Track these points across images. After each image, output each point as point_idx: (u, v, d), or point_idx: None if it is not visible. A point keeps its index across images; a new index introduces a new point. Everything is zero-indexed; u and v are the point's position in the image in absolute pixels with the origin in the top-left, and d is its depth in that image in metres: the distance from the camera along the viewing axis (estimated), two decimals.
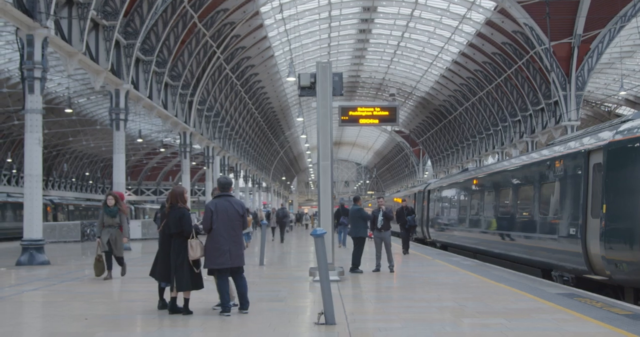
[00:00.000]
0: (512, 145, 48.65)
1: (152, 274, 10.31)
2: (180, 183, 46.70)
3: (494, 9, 39.72)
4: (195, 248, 9.58)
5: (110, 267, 15.14)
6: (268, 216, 35.74)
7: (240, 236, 9.96)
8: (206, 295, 10.68)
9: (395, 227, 27.40)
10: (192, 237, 9.66)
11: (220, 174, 49.32)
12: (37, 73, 19.28)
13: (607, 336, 8.08)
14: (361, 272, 16.15)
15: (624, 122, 12.86)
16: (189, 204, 10.37)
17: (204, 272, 9.94)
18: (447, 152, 70.77)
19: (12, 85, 43.04)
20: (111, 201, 15.21)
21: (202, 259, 9.76)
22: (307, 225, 61.87)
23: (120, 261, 15.35)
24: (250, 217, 33.43)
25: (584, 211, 13.25)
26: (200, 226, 9.98)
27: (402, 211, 24.30)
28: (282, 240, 33.13)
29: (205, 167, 47.43)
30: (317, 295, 11.15)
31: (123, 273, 15.34)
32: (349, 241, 19.61)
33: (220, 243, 9.61)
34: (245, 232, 33.40)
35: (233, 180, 60.38)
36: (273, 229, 34.63)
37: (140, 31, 28.08)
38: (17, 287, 14.07)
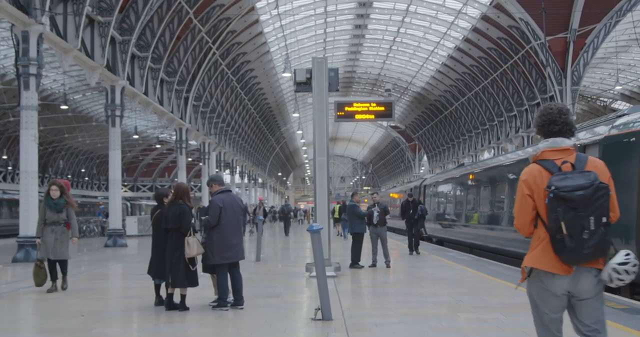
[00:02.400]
0: (508, 140, 48.70)
1: (150, 272, 10.28)
2: (176, 180, 46.67)
3: (490, 4, 39.72)
4: (192, 246, 9.56)
5: (55, 277, 12.13)
6: (254, 211, 34.95)
7: (242, 230, 10.22)
8: (202, 291, 10.69)
9: (394, 223, 27.40)
10: (190, 235, 9.64)
11: (216, 170, 49.29)
12: (33, 69, 19.24)
13: None
14: (362, 267, 16.18)
15: (620, 116, 12.87)
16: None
17: (199, 269, 9.95)
18: (443, 147, 70.80)
19: (7, 82, 42.98)
20: (55, 192, 12.14)
21: (199, 257, 9.78)
22: (301, 220, 61.99)
23: (64, 268, 12.27)
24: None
25: None
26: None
27: (408, 204, 21.39)
28: (286, 233, 36.01)
29: (201, 163, 47.39)
30: (313, 291, 11.16)
31: (64, 286, 12.24)
32: None
33: (229, 238, 9.74)
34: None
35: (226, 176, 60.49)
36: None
37: (136, 27, 28.03)
38: (13, 284, 14.05)
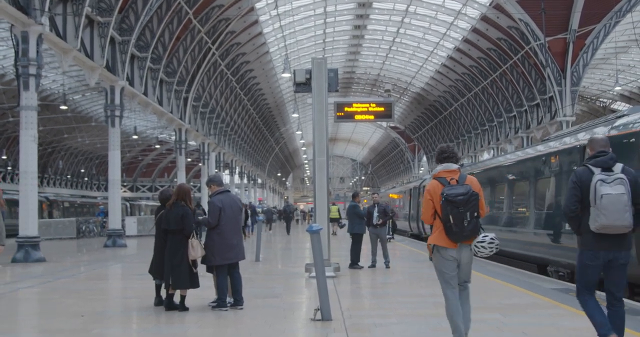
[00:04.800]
0: (508, 141, 48.70)
1: (150, 271, 10.27)
2: (176, 180, 46.71)
3: (489, 5, 39.72)
4: (196, 248, 9.56)
5: None
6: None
7: (241, 230, 10.15)
8: (202, 292, 10.68)
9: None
10: (192, 237, 9.63)
11: (216, 171, 49.31)
12: (32, 70, 19.24)
13: None
14: (361, 267, 16.18)
15: (619, 117, 12.87)
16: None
17: (202, 269, 9.96)
18: None
19: (6, 82, 42.97)
20: None
21: (200, 259, 9.78)
22: (297, 220, 62.14)
23: None
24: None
25: None
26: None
27: None
28: (288, 232, 37.91)
29: (200, 164, 47.38)
30: (313, 291, 11.16)
31: None
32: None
33: (229, 238, 9.74)
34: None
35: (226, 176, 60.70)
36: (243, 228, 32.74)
37: (135, 27, 28.02)
38: (12, 285, 14.06)
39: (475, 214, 6.55)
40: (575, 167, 13.65)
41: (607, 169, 6.37)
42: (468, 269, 6.85)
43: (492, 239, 6.56)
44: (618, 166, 6.40)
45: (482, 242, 6.57)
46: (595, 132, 13.19)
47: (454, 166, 6.85)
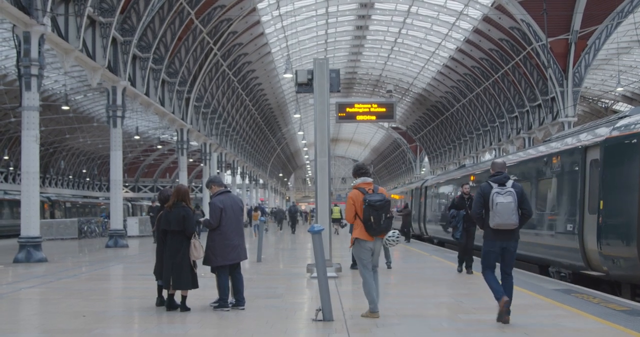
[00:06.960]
0: (509, 142, 48.66)
1: (155, 272, 10.25)
2: (177, 180, 46.66)
3: (491, 5, 39.69)
4: (198, 249, 9.56)
5: None
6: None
7: (243, 230, 10.24)
8: (203, 292, 10.69)
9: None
10: (194, 237, 9.62)
11: (217, 171, 49.34)
12: (34, 70, 19.25)
13: (604, 331, 8.10)
14: None
15: (621, 118, 12.87)
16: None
17: (202, 270, 9.95)
18: (444, 148, 70.75)
19: (8, 83, 42.98)
20: None
21: (201, 259, 9.78)
22: (297, 220, 62.33)
23: None
24: (257, 212, 33.86)
25: (581, 207, 13.27)
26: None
27: (463, 202, 15.01)
28: (293, 231, 41.00)
29: (202, 164, 47.40)
30: (314, 291, 11.16)
31: None
32: None
33: (231, 239, 9.74)
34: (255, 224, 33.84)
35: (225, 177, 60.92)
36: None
37: (137, 28, 28.03)
38: (14, 285, 14.07)
39: (388, 215, 8.85)
40: (577, 168, 13.69)
41: (502, 184, 8.69)
42: (378, 256, 9.09)
43: (398, 235, 9.04)
44: (509, 182, 8.72)
45: (391, 236, 8.96)
46: (597, 133, 13.21)
47: (370, 179, 9.18)
